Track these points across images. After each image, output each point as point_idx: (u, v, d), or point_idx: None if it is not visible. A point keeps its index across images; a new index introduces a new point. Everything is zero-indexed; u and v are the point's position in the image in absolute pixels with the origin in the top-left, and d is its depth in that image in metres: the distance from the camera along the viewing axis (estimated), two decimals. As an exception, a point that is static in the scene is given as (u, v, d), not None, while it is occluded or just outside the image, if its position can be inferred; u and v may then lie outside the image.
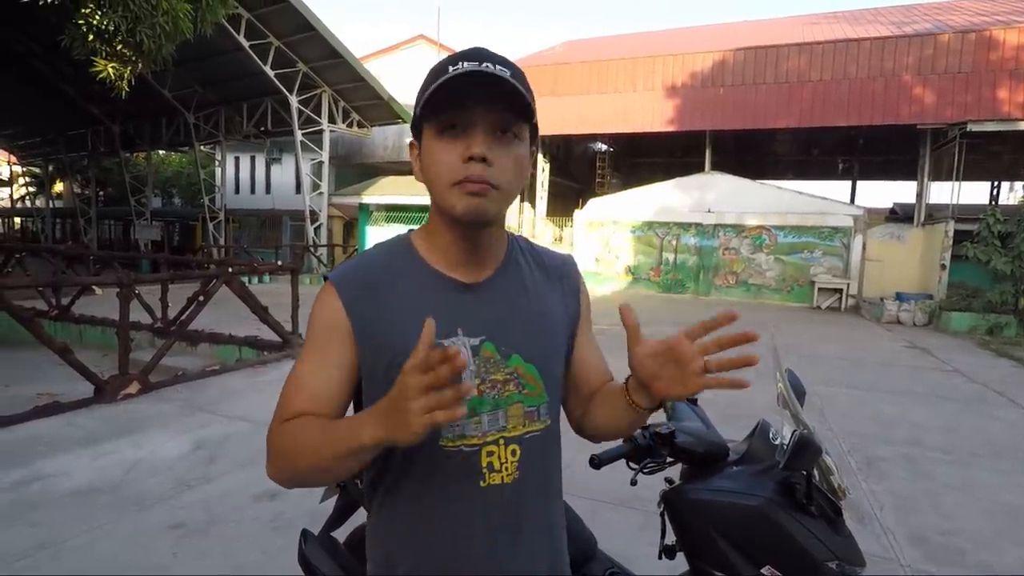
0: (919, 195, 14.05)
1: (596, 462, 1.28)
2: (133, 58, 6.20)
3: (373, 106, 16.98)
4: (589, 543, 1.41)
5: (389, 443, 0.67)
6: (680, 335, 0.76)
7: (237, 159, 23.33)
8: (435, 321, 0.82)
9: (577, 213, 16.79)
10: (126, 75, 6.40)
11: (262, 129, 18.12)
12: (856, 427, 4.57)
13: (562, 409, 0.97)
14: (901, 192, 46.57)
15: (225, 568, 2.45)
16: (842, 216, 13.98)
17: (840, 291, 13.69)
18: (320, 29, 14.01)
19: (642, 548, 2.39)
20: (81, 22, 5.73)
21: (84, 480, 3.21)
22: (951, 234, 12.11)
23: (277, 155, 21.59)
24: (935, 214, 13.74)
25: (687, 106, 15.16)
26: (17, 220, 33.61)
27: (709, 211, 15.02)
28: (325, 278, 0.86)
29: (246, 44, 13.94)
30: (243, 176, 23.88)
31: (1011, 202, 20.03)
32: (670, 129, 15.59)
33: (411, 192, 17.39)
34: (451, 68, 0.77)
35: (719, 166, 16.21)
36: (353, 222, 20.12)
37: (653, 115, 15.48)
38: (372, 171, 20.66)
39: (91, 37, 5.85)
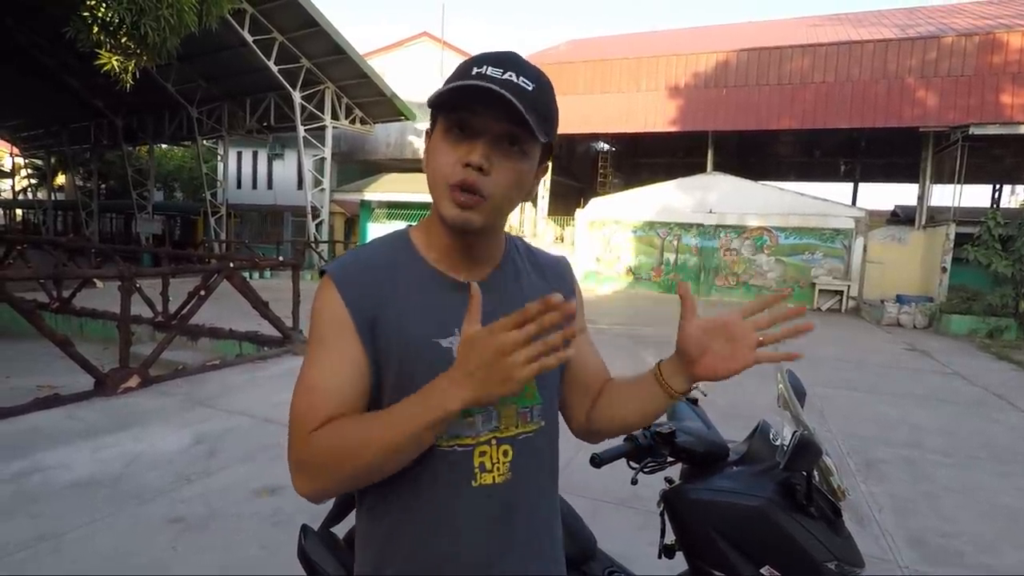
0: (920, 198, 14.06)
1: (596, 461, 1.28)
2: (137, 51, 6.22)
3: (376, 103, 17.00)
4: (589, 542, 1.42)
5: (478, 403, 0.69)
6: (734, 312, 0.81)
7: (239, 154, 23.29)
8: (433, 320, 0.82)
9: (579, 212, 16.74)
10: (130, 68, 6.42)
11: (265, 124, 18.12)
12: (856, 429, 4.57)
13: (560, 412, 0.97)
14: (903, 194, 46.47)
15: (225, 562, 2.46)
16: (843, 218, 13.97)
17: (841, 293, 13.69)
18: (324, 25, 14.02)
19: (642, 548, 2.40)
20: (86, 14, 5.75)
21: (84, 473, 3.22)
22: (952, 237, 12.11)
23: (279, 151, 21.56)
24: (936, 217, 13.75)
25: (690, 106, 15.14)
26: (19, 212, 33.66)
27: (711, 212, 15.00)
28: (323, 272, 0.84)
29: (250, 39, 13.94)
30: (245, 171, 23.85)
31: (1012, 205, 20.05)
32: (672, 129, 15.57)
33: (413, 189, 17.41)
34: (475, 70, 0.76)
35: (721, 167, 16.19)
36: (354, 219, 20.13)
37: (656, 115, 15.46)
38: (374, 168, 20.64)
39: (96, 29, 5.87)
